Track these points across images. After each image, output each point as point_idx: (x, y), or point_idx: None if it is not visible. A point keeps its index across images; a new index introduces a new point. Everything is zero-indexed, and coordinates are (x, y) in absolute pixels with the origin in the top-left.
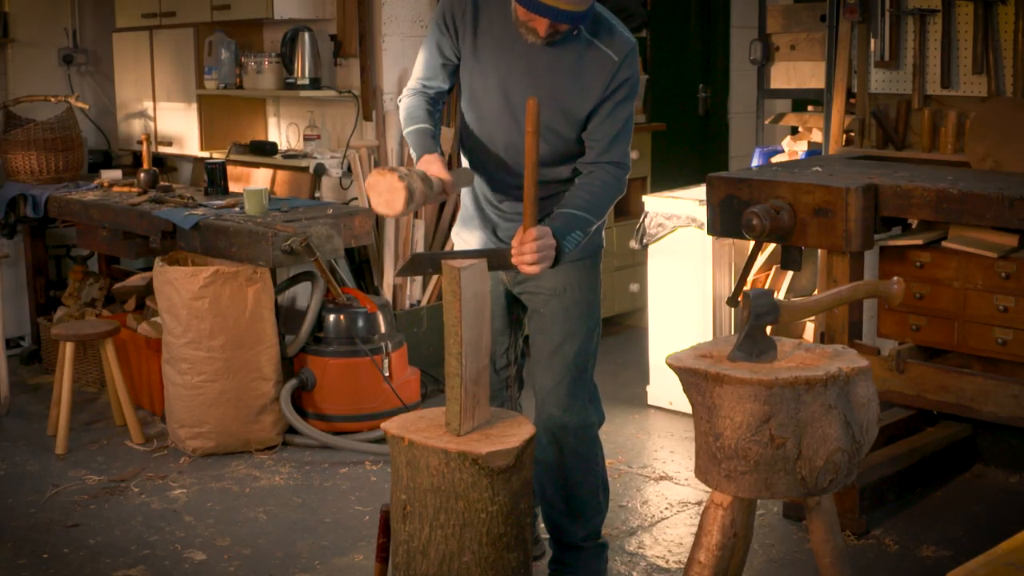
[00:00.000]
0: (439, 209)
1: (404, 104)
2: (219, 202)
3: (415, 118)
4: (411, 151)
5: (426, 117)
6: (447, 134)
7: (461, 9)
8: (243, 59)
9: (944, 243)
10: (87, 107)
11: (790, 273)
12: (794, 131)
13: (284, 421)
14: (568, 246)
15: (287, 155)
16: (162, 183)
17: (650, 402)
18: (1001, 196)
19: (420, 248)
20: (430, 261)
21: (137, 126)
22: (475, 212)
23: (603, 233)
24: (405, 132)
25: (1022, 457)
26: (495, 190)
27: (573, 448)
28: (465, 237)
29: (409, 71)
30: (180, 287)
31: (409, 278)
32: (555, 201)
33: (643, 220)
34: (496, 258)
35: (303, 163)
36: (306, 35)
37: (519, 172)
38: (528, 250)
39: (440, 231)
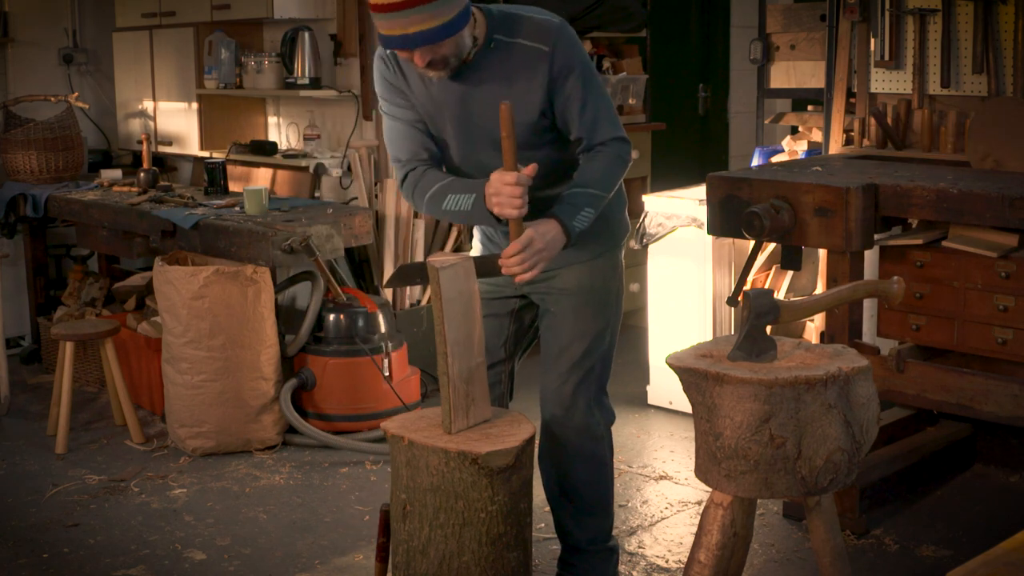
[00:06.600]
0: None
1: (409, 184)
2: (219, 202)
3: (430, 183)
4: (457, 215)
5: (440, 176)
6: None
7: (392, 76)
8: (243, 59)
9: (944, 243)
10: (87, 107)
11: (790, 273)
12: (794, 131)
13: (284, 421)
14: (578, 225)
15: (287, 155)
16: (162, 183)
17: (650, 402)
18: (1001, 196)
19: (420, 247)
20: (418, 271)
21: (137, 126)
22: None
23: (624, 222)
24: (428, 207)
25: (1022, 457)
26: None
27: (577, 448)
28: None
29: None
30: (180, 287)
31: None
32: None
33: (643, 220)
34: (484, 265)
35: (303, 163)
36: (306, 35)
37: None
38: (514, 263)
39: (440, 231)
